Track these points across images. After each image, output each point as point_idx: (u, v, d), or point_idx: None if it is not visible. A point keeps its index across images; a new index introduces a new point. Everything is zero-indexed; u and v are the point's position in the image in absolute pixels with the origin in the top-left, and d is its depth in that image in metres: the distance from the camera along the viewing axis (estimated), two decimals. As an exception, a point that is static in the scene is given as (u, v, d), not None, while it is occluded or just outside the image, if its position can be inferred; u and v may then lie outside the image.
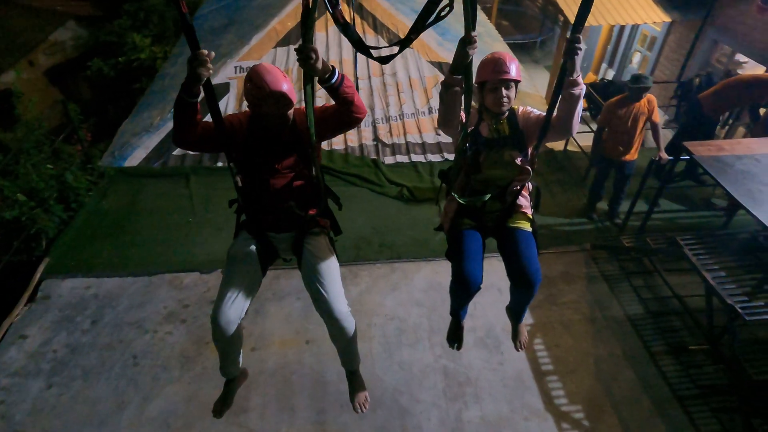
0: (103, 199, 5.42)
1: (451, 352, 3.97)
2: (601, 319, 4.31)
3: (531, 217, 2.53)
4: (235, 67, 6.86)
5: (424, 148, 6.45)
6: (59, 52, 10.70)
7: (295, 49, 1.81)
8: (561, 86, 2.06)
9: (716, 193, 5.50)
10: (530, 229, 2.48)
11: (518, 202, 2.48)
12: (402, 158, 6.29)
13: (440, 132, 6.74)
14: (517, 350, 2.90)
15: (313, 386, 3.77)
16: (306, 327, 4.19)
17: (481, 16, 10.40)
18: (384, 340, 4.10)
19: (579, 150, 6.24)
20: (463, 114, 2.14)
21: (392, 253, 4.87)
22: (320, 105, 2.23)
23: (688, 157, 4.13)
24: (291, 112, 2.20)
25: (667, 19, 9.61)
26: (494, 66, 2.20)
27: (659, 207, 4.88)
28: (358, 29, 7.38)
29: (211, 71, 1.91)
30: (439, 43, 7.54)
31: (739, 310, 3.15)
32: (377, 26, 7.31)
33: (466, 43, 1.84)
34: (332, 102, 2.13)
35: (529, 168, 2.35)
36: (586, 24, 8.32)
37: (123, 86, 8.88)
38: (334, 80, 1.96)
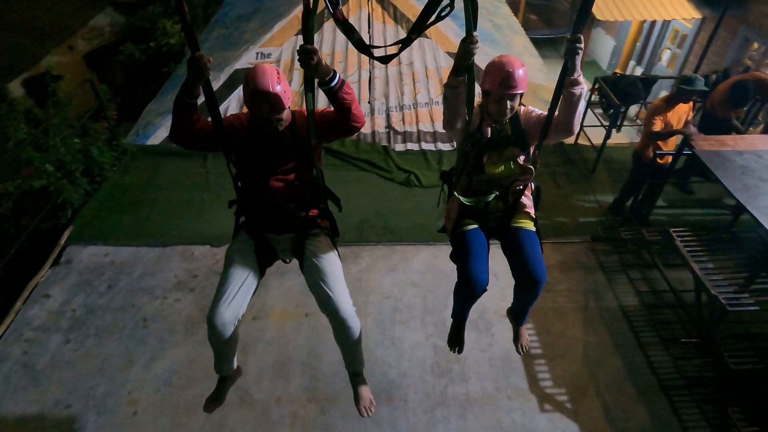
0: (126, 174, 5.73)
1: (441, 332, 4.12)
2: (594, 308, 4.36)
3: (534, 216, 2.56)
4: (257, 53, 7.10)
5: (435, 136, 6.55)
6: (97, 37, 11.20)
7: (297, 51, 1.85)
8: (562, 86, 2.07)
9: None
10: (534, 229, 2.50)
11: (521, 201, 2.50)
12: (412, 146, 6.41)
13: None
14: (519, 353, 2.92)
15: (307, 356, 3.96)
16: (305, 301, 4.37)
17: (504, 8, 10.36)
18: (379, 317, 4.26)
19: (589, 144, 6.23)
20: (467, 114, 2.16)
21: (394, 236, 5.02)
22: (321, 108, 2.26)
23: (690, 152, 4.13)
24: (284, 115, 2.17)
25: (698, 16, 9.39)
26: (501, 79, 2.18)
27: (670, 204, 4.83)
28: (378, 19, 7.52)
29: (209, 73, 1.94)
30: (457, 34, 7.59)
31: (722, 300, 3.18)
32: (397, 17, 7.42)
33: (468, 43, 1.87)
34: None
35: (531, 167, 2.38)
36: (615, 19, 8.20)
37: (152, 70, 9.26)
38: (333, 84, 1.97)
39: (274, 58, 7.07)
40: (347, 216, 5.22)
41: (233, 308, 2.30)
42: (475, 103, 2.26)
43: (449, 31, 7.42)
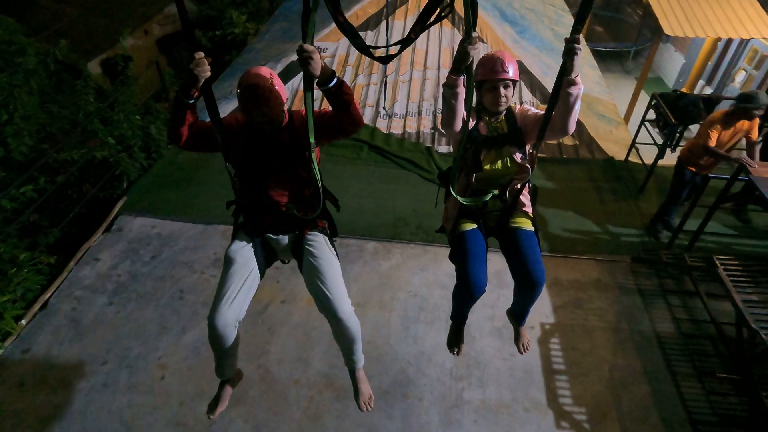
0: (180, 153, 6.04)
1: (465, 337, 4.11)
2: (626, 330, 4.21)
3: (532, 215, 2.55)
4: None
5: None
6: (170, 24, 11.82)
7: (296, 50, 1.87)
8: (560, 86, 2.08)
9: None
10: (532, 229, 2.50)
11: (520, 200, 2.50)
12: (456, 149, 6.39)
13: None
14: (521, 353, 2.92)
15: (329, 344, 4.04)
16: (334, 291, 4.48)
17: (567, 18, 10.11)
18: (404, 314, 4.29)
19: (640, 162, 5.99)
20: (465, 114, 2.18)
21: (427, 236, 5.03)
22: (319, 109, 2.25)
23: (746, 178, 3.91)
24: (279, 116, 2.18)
25: (781, 35, 8.80)
26: (493, 66, 2.24)
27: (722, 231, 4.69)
28: (438, 25, 7.53)
29: (208, 73, 1.93)
30: (514, 41, 7.50)
31: (763, 336, 2.99)
32: (455, 20, 7.42)
33: (467, 43, 1.86)
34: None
35: (528, 166, 2.39)
36: (686, 35, 7.82)
37: (216, 57, 9.68)
38: (332, 84, 1.95)
39: (329, 53, 7.24)
40: (384, 212, 5.33)
41: (234, 309, 2.27)
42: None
43: (507, 37, 7.35)
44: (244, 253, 2.39)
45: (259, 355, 3.95)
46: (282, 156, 2.26)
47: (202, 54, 1.88)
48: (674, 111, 5.20)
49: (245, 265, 2.36)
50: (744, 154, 4.51)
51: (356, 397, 2.66)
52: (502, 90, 2.28)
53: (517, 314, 2.83)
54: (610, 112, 7.22)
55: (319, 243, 2.44)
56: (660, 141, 5.48)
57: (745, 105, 4.21)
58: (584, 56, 8.67)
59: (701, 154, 4.54)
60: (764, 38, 9.06)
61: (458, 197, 2.38)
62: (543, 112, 2.27)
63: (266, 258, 2.51)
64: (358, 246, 4.95)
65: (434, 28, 7.34)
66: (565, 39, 1.95)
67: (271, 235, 2.47)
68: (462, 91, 2.08)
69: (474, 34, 1.85)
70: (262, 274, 2.47)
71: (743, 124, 4.39)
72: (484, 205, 2.48)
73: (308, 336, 4.12)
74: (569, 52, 1.94)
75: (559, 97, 2.11)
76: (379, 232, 5.07)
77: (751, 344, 3.23)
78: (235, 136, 2.23)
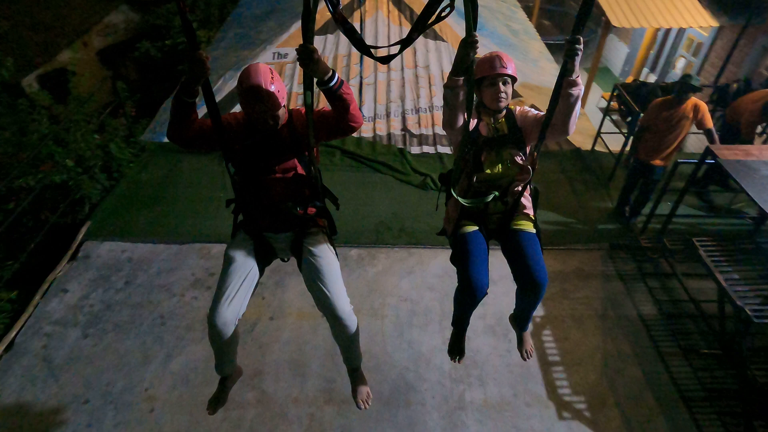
0: (143, 171, 5.75)
1: (459, 336, 4.11)
2: (613, 316, 4.33)
3: (533, 218, 2.55)
4: (273, 53, 7.11)
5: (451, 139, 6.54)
6: (112, 34, 11.26)
7: (296, 49, 1.84)
8: (560, 86, 2.07)
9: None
10: (533, 231, 2.50)
11: (521, 203, 2.49)
12: (428, 149, 6.40)
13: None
14: (524, 359, 2.90)
15: (324, 356, 3.95)
16: (322, 302, 4.37)
17: (520, 13, 10.36)
18: (396, 320, 4.25)
19: (607, 151, 6.21)
20: (466, 114, 2.16)
21: (411, 238, 5.00)
22: (319, 108, 2.26)
23: (712, 161, 4.10)
24: (279, 113, 2.19)
25: (715, 24, 9.32)
26: (492, 62, 2.25)
27: (687, 212, 4.86)
28: (395, 21, 7.52)
29: (209, 72, 1.94)
30: (474, 38, 7.59)
31: (748, 312, 3.14)
32: (413, 18, 7.41)
33: (468, 43, 1.84)
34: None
35: (529, 168, 2.39)
36: (630, 26, 8.14)
37: (168, 68, 9.29)
38: (332, 83, 1.97)
39: (290, 59, 7.08)
40: (364, 218, 5.27)
41: (234, 307, 2.29)
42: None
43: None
44: (244, 251, 2.40)
45: (253, 376, 3.80)
46: (282, 154, 2.27)
47: (202, 52, 1.88)
48: (636, 100, 5.41)
49: (244, 263, 2.37)
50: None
51: (354, 395, 2.69)
52: (501, 86, 2.29)
53: (520, 319, 2.81)
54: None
55: (319, 242, 2.44)
56: (616, 129, 5.68)
57: (675, 85, 4.46)
58: (540, 50, 8.89)
59: (658, 141, 4.70)
60: (700, 27, 9.58)
61: (459, 198, 2.37)
62: (543, 113, 2.28)
63: (265, 256, 2.51)
64: (342, 254, 4.79)
65: (394, 30, 7.33)
66: (566, 40, 1.93)
67: (271, 234, 2.46)
68: (463, 92, 2.07)
69: (475, 34, 1.82)
70: (261, 272, 2.47)
71: (682, 109, 4.50)
72: (486, 207, 2.47)
73: (302, 351, 4.00)
74: (570, 53, 1.93)
75: (559, 98, 2.11)
76: (361, 238, 5.00)
77: (737, 320, 3.39)
78: (235, 135, 2.24)
